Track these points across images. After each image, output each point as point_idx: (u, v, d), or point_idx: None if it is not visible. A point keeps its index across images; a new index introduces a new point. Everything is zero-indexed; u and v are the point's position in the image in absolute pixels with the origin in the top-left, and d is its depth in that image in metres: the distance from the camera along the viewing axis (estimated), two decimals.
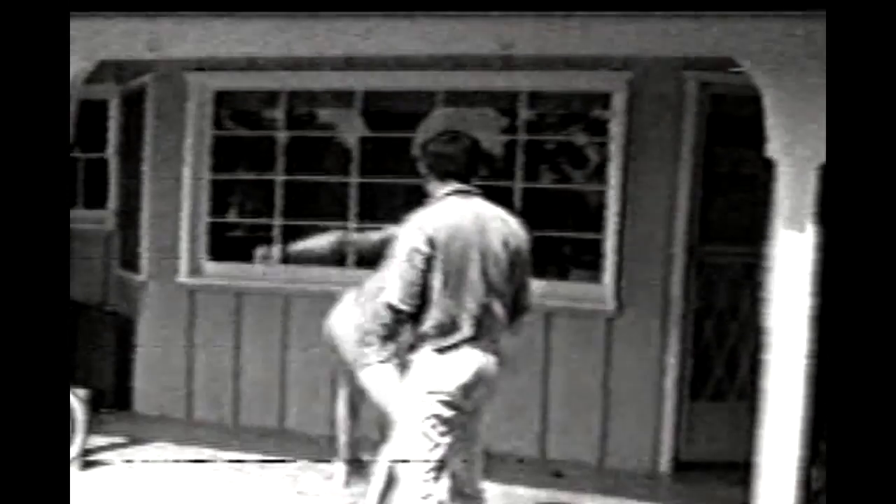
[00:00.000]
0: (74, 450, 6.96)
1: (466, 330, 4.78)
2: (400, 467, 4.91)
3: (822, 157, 5.54)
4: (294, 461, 7.41)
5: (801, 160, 5.56)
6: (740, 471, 6.19)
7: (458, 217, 4.86)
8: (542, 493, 7.04)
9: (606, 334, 7.63)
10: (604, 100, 7.84)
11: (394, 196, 8.26)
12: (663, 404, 7.64)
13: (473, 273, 4.79)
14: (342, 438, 6.68)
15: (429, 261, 4.74)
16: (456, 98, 8.22)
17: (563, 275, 8.18)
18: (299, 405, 8.47)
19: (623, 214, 7.67)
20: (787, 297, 5.62)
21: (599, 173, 7.89)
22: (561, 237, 8.08)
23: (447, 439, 4.79)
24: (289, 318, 8.48)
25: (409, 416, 4.85)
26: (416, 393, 4.83)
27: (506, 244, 4.91)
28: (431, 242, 4.74)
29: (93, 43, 6.63)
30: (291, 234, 8.45)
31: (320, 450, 7.43)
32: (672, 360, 7.61)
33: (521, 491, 7.01)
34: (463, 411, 4.83)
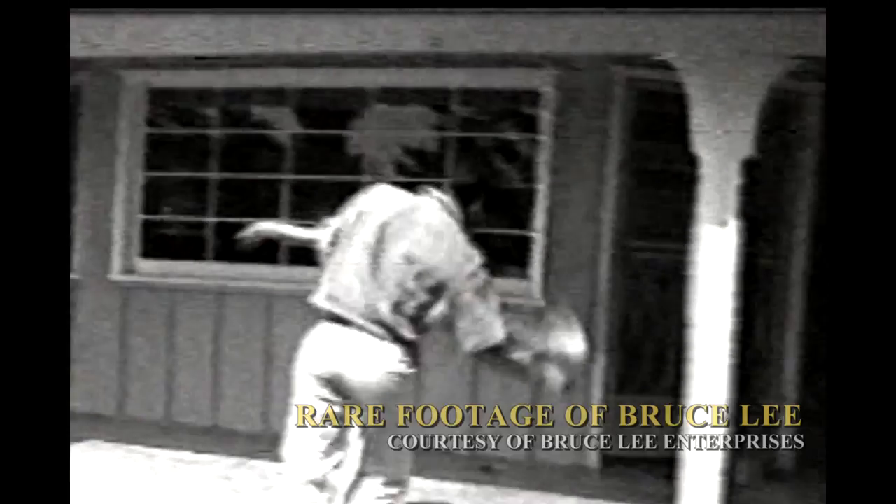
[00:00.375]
0: None
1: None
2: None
3: (746, 152, 5.66)
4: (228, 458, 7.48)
5: (724, 155, 5.67)
6: (666, 466, 6.27)
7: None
8: (472, 488, 7.10)
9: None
10: (533, 96, 7.92)
11: (327, 193, 8.28)
12: (590, 399, 7.71)
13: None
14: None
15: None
16: (389, 95, 8.28)
17: (492, 270, 8.22)
18: (233, 403, 8.48)
19: (551, 210, 7.75)
20: (711, 292, 5.72)
21: (530, 169, 7.97)
22: (490, 233, 8.11)
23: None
24: (222, 316, 8.48)
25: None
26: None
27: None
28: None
29: None
30: (225, 232, 8.48)
31: (254, 447, 7.45)
32: (599, 356, 7.68)
33: (449, 486, 7.07)
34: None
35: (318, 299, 4.65)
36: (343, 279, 4.60)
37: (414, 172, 8.26)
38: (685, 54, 5.77)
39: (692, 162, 5.87)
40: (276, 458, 6.45)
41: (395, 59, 7.80)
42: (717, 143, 5.68)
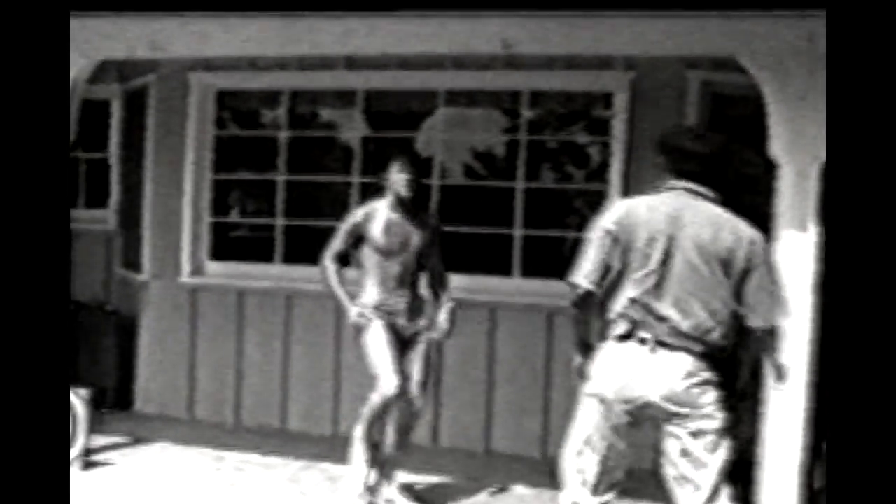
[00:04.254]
0: (76, 450, 6.97)
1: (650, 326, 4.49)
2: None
3: (825, 157, 5.55)
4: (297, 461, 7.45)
5: (802, 160, 5.56)
6: (744, 470, 6.18)
7: (657, 206, 4.61)
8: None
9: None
10: (606, 99, 7.84)
11: None
12: None
13: (654, 263, 4.50)
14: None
15: (615, 241, 4.53)
16: (458, 97, 8.23)
17: (561, 275, 8.16)
18: (302, 405, 8.46)
19: None
20: (790, 296, 5.61)
21: (601, 173, 7.88)
22: (562, 237, 8.05)
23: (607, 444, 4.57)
24: (291, 318, 8.48)
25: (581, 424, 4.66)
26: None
27: (711, 246, 4.51)
28: (619, 224, 4.57)
29: (95, 43, 6.63)
30: (293, 234, 8.48)
31: (322, 450, 7.43)
32: None
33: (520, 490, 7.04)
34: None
35: None
36: None
37: (481, 176, 8.21)
38: (763, 57, 5.66)
39: (768, 166, 5.77)
40: (345, 461, 6.48)
41: (464, 61, 7.76)
42: (795, 147, 5.57)
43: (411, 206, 6.39)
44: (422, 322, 6.46)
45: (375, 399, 6.17)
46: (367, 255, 6.38)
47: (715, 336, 4.51)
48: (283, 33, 6.37)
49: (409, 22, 6.04)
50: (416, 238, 6.38)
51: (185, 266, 8.77)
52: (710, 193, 4.70)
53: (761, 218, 5.93)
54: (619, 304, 4.54)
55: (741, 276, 4.52)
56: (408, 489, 6.62)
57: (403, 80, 8.23)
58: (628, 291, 4.51)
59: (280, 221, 8.66)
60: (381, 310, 6.32)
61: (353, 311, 6.31)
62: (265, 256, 8.72)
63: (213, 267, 8.84)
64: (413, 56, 7.60)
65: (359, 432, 6.31)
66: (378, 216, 6.36)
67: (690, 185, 4.65)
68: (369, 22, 6.06)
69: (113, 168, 9.89)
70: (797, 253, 5.55)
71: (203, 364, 8.73)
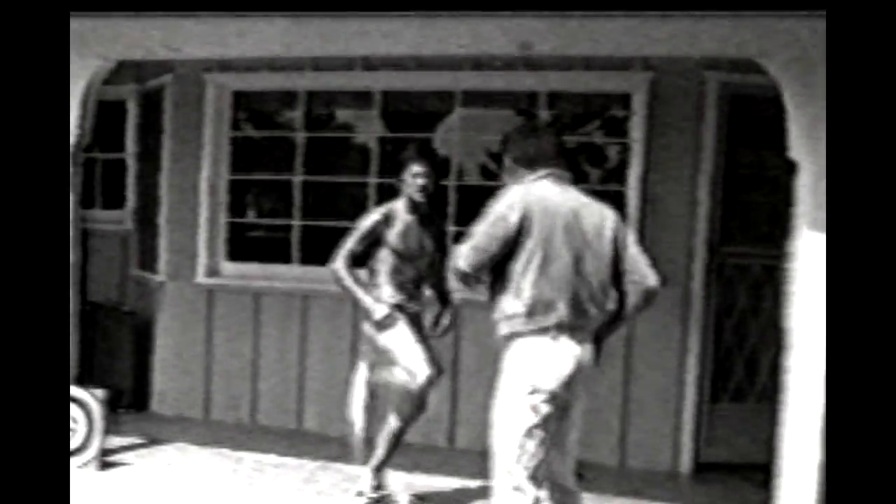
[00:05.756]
0: (92, 451, 6.97)
1: (562, 312, 4.66)
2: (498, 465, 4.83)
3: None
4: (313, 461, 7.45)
5: (822, 161, 5.51)
6: (761, 472, 6.16)
7: (553, 196, 4.76)
8: None
9: (626, 334, 7.57)
10: (624, 100, 7.82)
11: None
12: (683, 405, 7.63)
13: (566, 252, 4.66)
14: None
15: (519, 231, 4.63)
16: (475, 98, 8.21)
17: None
18: (317, 406, 8.46)
19: (643, 215, 7.64)
20: (808, 298, 5.59)
21: (619, 173, 7.86)
22: None
23: (544, 435, 4.70)
24: (307, 319, 8.47)
25: (509, 413, 4.77)
26: (516, 390, 4.74)
27: (601, 228, 4.79)
28: (525, 212, 4.64)
29: (111, 43, 6.65)
30: (310, 235, 8.47)
31: (339, 450, 7.42)
32: (692, 361, 7.59)
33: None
34: (561, 406, 4.74)
35: None
36: None
37: (498, 176, 8.19)
38: (782, 59, 5.64)
39: (787, 167, 5.75)
40: (361, 461, 6.48)
41: (481, 61, 7.75)
42: (814, 148, 5.54)
43: (427, 209, 6.39)
44: (427, 321, 6.53)
45: (413, 390, 6.19)
46: (383, 258, 6.36)
47: (603, 312, 4.85)
48: (300, 34, 6.37)
49: (426, 23, 6.03)
50: (431, 241, 6.38)
51: (202, 267, 8.77)
52: (568, 176, 4.96)
53: (780, 218, 5.94)
54: (530, 296, 4.67)
55: (622, 248, 4.84)
56: (420, 498, 6.63)
57: (420, 80, 8.23)
58: (537, 282, 4.66)
59: (296, 222, 8.65)
60: (394, 301, 6.34)
61: (378, 310, 6.26)
62: (282, 257, 8.72)
63: (230, 268, 8.84)
64: (430, 57, 7.60)
65: (392, 425, 6.35)
66: (396, 219, 6.34)
67: (556, 171, 4.89)
68: (386, 23, 6.04)
69: (129, 169, 9.89)
70: (816, 254, 5.51)
71: (219, 365, 8.74)
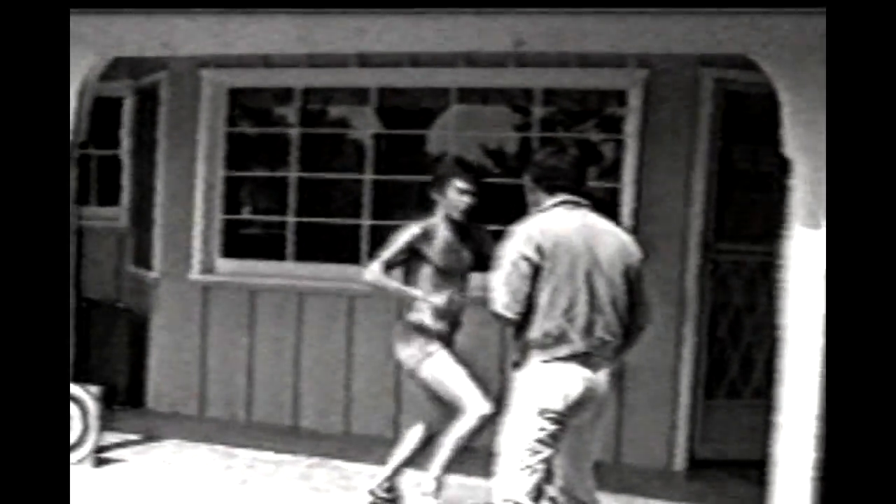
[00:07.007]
0: (87, 447, 6.97)
1: (577, 343, 4.67)
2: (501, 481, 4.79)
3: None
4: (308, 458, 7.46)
5: (817, 158, 5.52)
6: (755, 468, 6.17)
7: (567, 227, 4.75)
8: None
9: None
10: (619, 97, 7.82)
11: (408, 193, 8.25)
12: (678, 402, 7.63)
13: (580, 284, 4.66)
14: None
15: (536, 268, 4.65)
16: (470, 95, 8.21)
17: None
18: (313, 403, 8.46)
19: (637, 211, 7.64)
20: (802, 295, 5.60)
21: (614, 170, 7.86)
22: None
23: (548, 453, 4.73)
24: (303, 315, 8.47)
25: (516, 431, 4.77)
26: (524, 409, 4.74)
27: (616, 258, 4.77)
28: (540, 250, 4.65)
29: (107, 40, 6.65)
30: (305, 232, 8.47)
31: (334, 447, 7.43)
32: (687, 358, 7.60)
33: None
34: (566, 427, 4.76)
35: None
36: None
37: (493, 173, 8.18)
38: (776, 55, 5.64)
39: (781, 163, 5.76)
40: (356, 459, 6.46)
41: (477, 58, 7.75)
42: (808, 145, 5.54)
43: (466, 224, 6.18)
44: None
45: (471, 422, 5.94)
46: (423, 273, 6.10)
47: (619, 339, 4.84)
48: (295, 31, 6.37)
49: (421, 19, 6.04)
50: (470, 256, 6.20)
51: (197, 264, 8.76)
52: (584, 201, 4.92)
53: (775, 214, 5.94)
54: (550, 324, 4.69)
55: (634, 280, 4.85)
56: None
57: (416, 77, 8.22)
58: (557, 312, 4.67)
59: (292, 219, 8.63)
60: (437, 328, 6.12)
61: (437, 299, 6.01)
62: (277, 254, 8.70)
63: (225, 264, 8.83)
64: (426, 54, 7.60)
65: (445, 455, 6.06)
66: (437, 235, 6.09)
67: (573, 197, 4.88)
68: (382, 19, 6.05)
69: (124, 165, 9.89)
70: (810, 250, 5.53)
71: (214, 361, 8.73)
